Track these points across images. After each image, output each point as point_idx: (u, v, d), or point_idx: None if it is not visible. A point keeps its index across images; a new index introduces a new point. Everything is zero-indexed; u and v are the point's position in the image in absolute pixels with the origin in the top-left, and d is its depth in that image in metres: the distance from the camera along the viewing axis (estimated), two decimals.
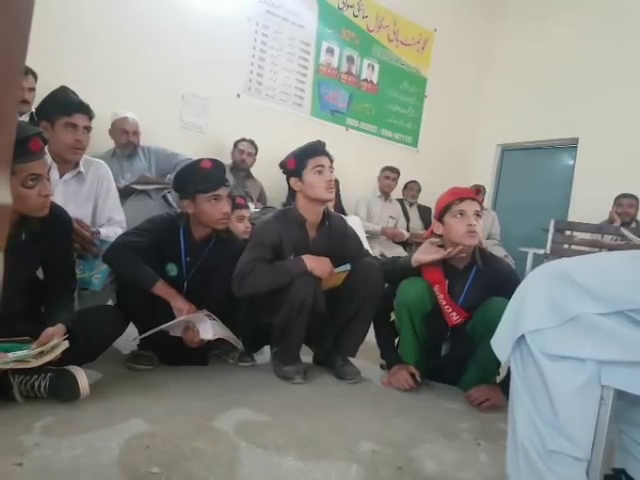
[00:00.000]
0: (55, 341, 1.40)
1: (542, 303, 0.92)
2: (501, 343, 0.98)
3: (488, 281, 1.92)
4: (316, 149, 1.99)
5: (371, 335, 2.12)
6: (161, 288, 1.73)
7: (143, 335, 1.71)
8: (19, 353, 1.35)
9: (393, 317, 2.12)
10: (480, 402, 1.86)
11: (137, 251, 1.73)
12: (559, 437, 0.89)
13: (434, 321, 1.96)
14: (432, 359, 2.04)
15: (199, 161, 1.88)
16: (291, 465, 1.25)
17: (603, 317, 0.87)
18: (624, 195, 3.90)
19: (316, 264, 1.86)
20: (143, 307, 1.77)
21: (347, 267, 1.95)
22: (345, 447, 1.39)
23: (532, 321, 0.92)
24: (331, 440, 1.43)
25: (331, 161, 1.99)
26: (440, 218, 1.99)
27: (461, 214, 1.92)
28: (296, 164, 1.96)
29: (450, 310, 1.94)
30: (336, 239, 2.06)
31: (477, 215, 1.93)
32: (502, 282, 1.88)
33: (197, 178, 1.82)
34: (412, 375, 1.96)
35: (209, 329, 1.75)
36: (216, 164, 1.89)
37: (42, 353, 1.36)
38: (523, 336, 0.93)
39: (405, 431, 1.57)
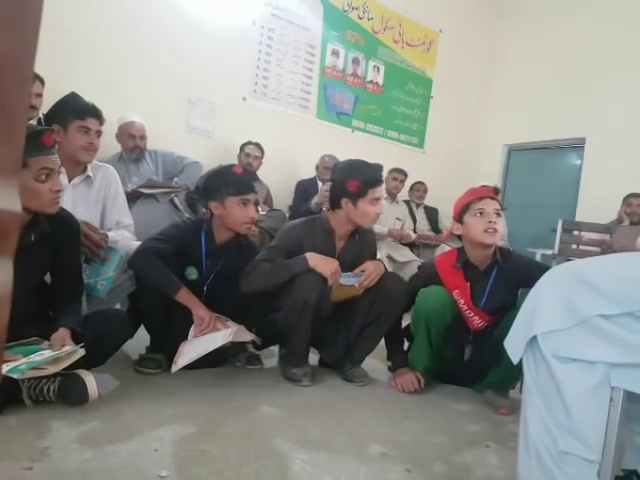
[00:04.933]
0: (69, 347, 1.41)
1: (555, 305, 0.92)
2: (514, 344, 0.99)
3: (512, 281, 1.89)
4: (378, 179, 1.93)
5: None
6: (184, 296, 1.75)
7: (180, 365, 1.65)
8: (34, 358, 1.35)
9: (405, 321, 2.11)
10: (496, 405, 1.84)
11: (162, 257, 1.76)
12: (571, 438, 0.89)
13: (456, 327, 1.93)
14: (453, 363, 2.00)
15: (231, 166, 1.95)
16: (300, 468, 1.25)
17: (615, 319, 0.87)
18: (633, 194, 3.86)
19: (319, 261, 1.84)
20: (159, 313, 1.80)
21: (352, 282, 1.91)
22: (354, 449, 1.39)
23: (545, 323, 0.92)
24: (340, 443, 1.42)
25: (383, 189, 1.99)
26: (459, 219, 1.98)
27: (481, 213, 1.89)
28: (358, 189, 1.88)
29: (472, 314, 1.92)
30: (365, 251, 2.06)
31: (497, 214, 1.90)
32: (525, 272, 1.82)
33: (229, 181, 1.87)
34: (418, 380, 1.95)
35: (245, 332, 1.82)
36: (247, 172, 1.98)
37: (58, 359, 1.37)
38: (535, 338, 0.93)
39: (414, 433, 1.57)
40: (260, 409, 1.61)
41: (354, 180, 1.89)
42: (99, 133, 1.98)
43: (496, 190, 1.95)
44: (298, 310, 1.83)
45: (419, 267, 2.26)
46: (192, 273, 1.90)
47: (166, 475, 1.13)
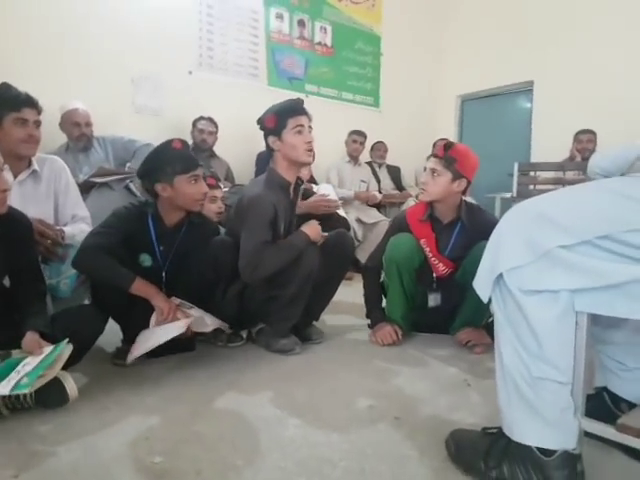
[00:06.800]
0: (52, 347, 1.38)
1: (517, 242, 0.96)
2: (482, 284, 1.02)
3: (473, 234, 1.96)
4: (296, 108, 1.91)
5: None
6: (139, 287, 1.67)
7: (135, 355, 1.63)
8: (28, 369, 1.31)
9: (383, 277, 2.17)
10: (467, 342, 1.96)
11: (107, 251, 1.66)
12: (542, 365, 0.95)
13: (422, 274, 2.05)
14: (422, 311, 2.10)
15: (169, 142, 1.81)
16: (293, 433, 1.27)
17: (574, 248, 0.91)
18: (582, 131, 3.97)
19: (310, 231, 1.90)
20: (121, 304, 1.72)
21: None
22: (342, 407, 1.43)
23: (508, 260, 0.96)
24: (328, 403, 1.46)
25: (310, 120, 1.95)
26: None
27: (433, 172, 1.98)
28: (276, 122, 1.88)
29: (437, 262, 2.04)
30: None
31: (433, 173, 1.97)
32: (488, 232, 1.90)
33: (173, 159, 1.77)
34: (395, 331, 2.02)
35: (204, 322, 1.75)
36: (185, 144, 1.85)
37: (53, 362, 1.33)
38: (501, 275, 0.97)
39: (398, 383, 1.62)
40: (247, 383, 1.61)
41: (269, 114, 1.91)
42: (38, 123, 1.86)
43: (446, 146, 1.96)
44: (304, 282, 1.86)
45: (392, 220, 2.36)
46: (145, 260, 1.82)
47: (160, 460, 1.13)
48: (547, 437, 0.96)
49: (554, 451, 0.95)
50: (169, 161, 1.77)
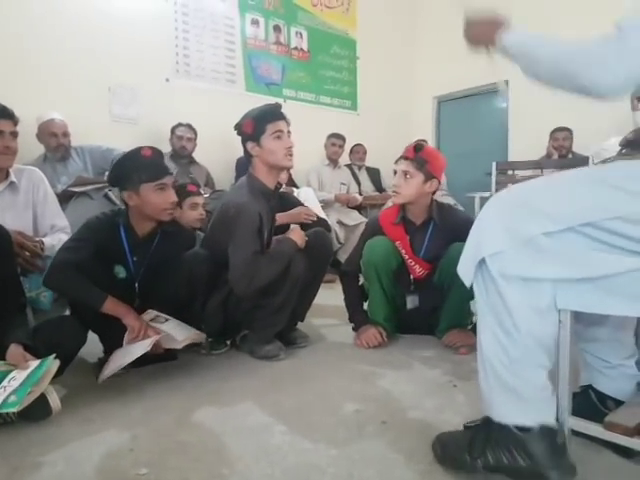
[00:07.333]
0: (39, 362, 1.35)
1: (499, 227, 0.98)
2: (465, 269, 1.03)
3: (446, 233, 1.99)
4: (274, 113, 1.90)
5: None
6: (110, 306, 1.64)
7: (105, 375, 1.60)
8: (15, 385, 1.29)
9: (362, 280, 2.18)
10: (455, 345, 1.96)
11: (79, 266, 1.63)
12: (519, 345, 0.96)
13: (401, 276, 2.07)
14: (403, 313, 2.12)
15: (139, 149, 1.77)
16: (280, 440, 1.27)
17: (557, 236, 0.93)
18: (558, 129, 4.03)
19: (298, 237, 1.92)
20: (99, 316, 1.68)
21: None
22: (329, 412, 1.43)
23: (491, 245, 0.97)
24: (315, 409, 1.46)
25: (288, 125, 1.93)
26: None
27: (405, 174, 1.98)
28: (254, 128, 1.86)
29: (413, 263, 2.05)
30: (288, 206, 2.13)
31: (405, 174, 1.97)
32: (461, 230, 1.92)
33: (140, 167, 1.73)
34: (380, 333, 2.03)
35: (174, 339, 1.70)
36: (156, 151, 1.80)
37: (41, 377, 1.31)
38: (484, 260, 0.98)
39: (384, 386, 1.63)
40: (232, 391, 1.60)
41: (247, 120, 1.89)
42: (15, 134, 1.84)
43: (417, 148, 1.98)
44: (292, 288, 1.87)
45: (366, 224, 2.38)
46: (120, 272, 1.78)
47: (146, 472, 1.11)
48: (524, 414, 0.97)
49: (532, 427, 0.97)
50: (136, 169, 1.73)
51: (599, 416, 1.01)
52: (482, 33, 1.22)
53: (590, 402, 1.18)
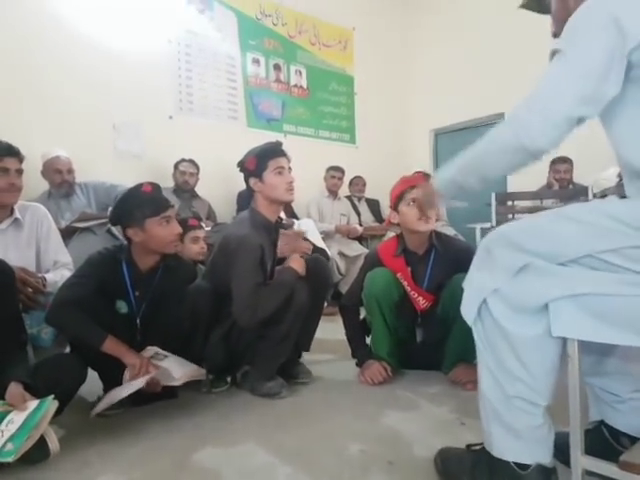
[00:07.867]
0: (37, 402, 1.33)
1: (492, 265, 1.03)
2: (467, 310, 1.07)
3: (448, 262, 1.98)
4: (275, 150, 1.96)
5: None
6: (110, 346, 1.63)
7: (97, 410, 1.59)
8: (11, 430, 1.26)
9: (363, 314, 2.15)
10: (461, 381, 1.91)
11: (81, 303, 1.63)
12: (518, 384, 1.00)
13: (404, 308, 2.03)
14: (407, 347, 2.08)
15: (139, 186, 1.81)
16: None
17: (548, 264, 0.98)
18: (559, 159, 3.96)
19: (298, 265, 1.92)
20: (98, 354, 1.66)
21: None
22: (334, 453, 1.39)
23: (489, 283, 1.02)
24: (319, 449, 1.42)
25: (289, 161, 1.99)
26: (395, 207, 2.04)
27: (414, 201, 1.94)
28: (256, 165, 1.92)
29: (416, 295, 2.02)
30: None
31: None
32: (462, 259, 1.90)
33: (142, 203, 1.76)
34: (384, 368, 1.99)
35: (172, 376, 1.68)
36: (155, 186, 1.84)
37: (35, 424, 1.28)
38: (484, 301, 1.02)
39: (390, 424, 1.59)
40: (234, 431, 1.57)
41: (249, 157, 1.95)
42: (20, 172, 1.87)
43: (426, 176, 2.00)
44: (295, 318, 1.86)
45: (365, 257, 2.35)
46: (122, 307, 1.78)
47: None
48: (522, 452, 1.02)
49: (529, 465, 1.01)
50: (139, 205, 1.76)
51: (613, 454, 0.97)
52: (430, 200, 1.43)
53: (603, 439, 1.16)
